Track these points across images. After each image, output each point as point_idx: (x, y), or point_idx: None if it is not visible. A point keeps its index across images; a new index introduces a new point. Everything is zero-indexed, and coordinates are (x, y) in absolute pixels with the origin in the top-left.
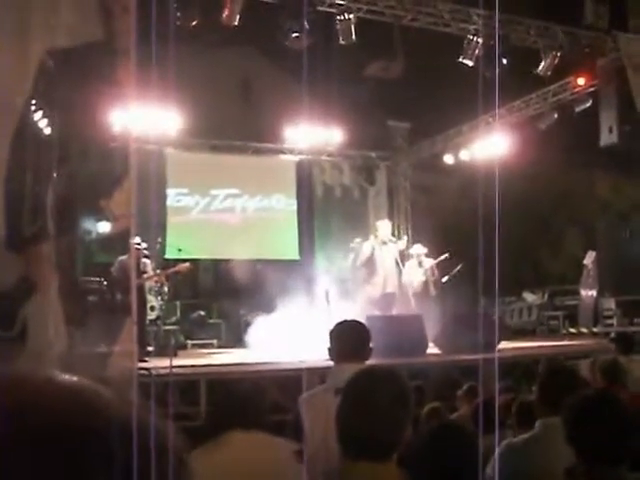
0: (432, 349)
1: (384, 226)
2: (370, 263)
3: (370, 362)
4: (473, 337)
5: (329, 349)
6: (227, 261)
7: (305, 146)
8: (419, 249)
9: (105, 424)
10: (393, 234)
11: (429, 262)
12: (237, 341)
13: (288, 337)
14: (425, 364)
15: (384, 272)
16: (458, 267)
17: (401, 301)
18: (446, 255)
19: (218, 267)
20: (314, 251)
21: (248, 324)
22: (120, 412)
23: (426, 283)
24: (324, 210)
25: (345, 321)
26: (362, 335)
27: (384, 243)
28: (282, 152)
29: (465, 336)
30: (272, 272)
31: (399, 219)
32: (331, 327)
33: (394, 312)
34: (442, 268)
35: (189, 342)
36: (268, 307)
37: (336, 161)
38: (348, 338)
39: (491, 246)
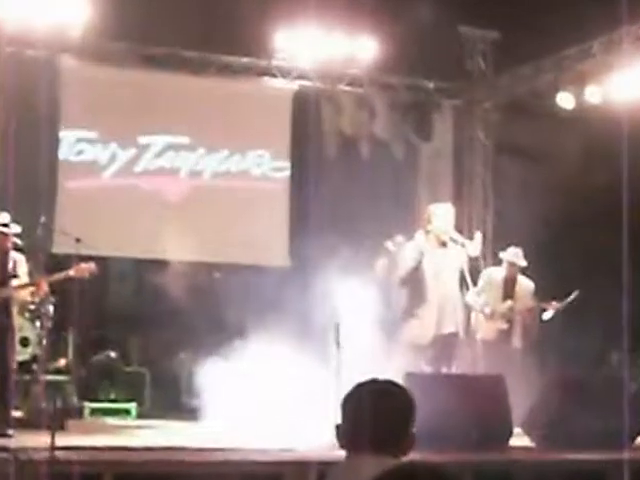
0: (519, 438)
1: (444, 214)
2: (416, 280)
3: (411, 456)
4: (595, 421)
5: (338, 430)
6: (160, 264)
7: (309, 65)
8: (513, 255)
9: None
10: (459, 229)
11: (526, 284)
12: (172, 407)
13: (265, 404)
14: (507, 464)
15: (440, 297)
16: (572, 296)
17: (468, 350)
18: (576, 293)
19: (144, 274)
20: (316, 253)
21: (192, 377)
22: None
23: (514, 322)
24: (338, 181)
25: (369, 383)
26: (399, 408)
27: (442, 245)
28: (268, 74)
29: (580, 419)
30: (242, 286)
31: (471, 203)
32: (343, 392)
33: (454, 369)
34: (542, 296)
35: (88, 405)
36: (231, 348)
37: (363, 94)
38: (373, 413)
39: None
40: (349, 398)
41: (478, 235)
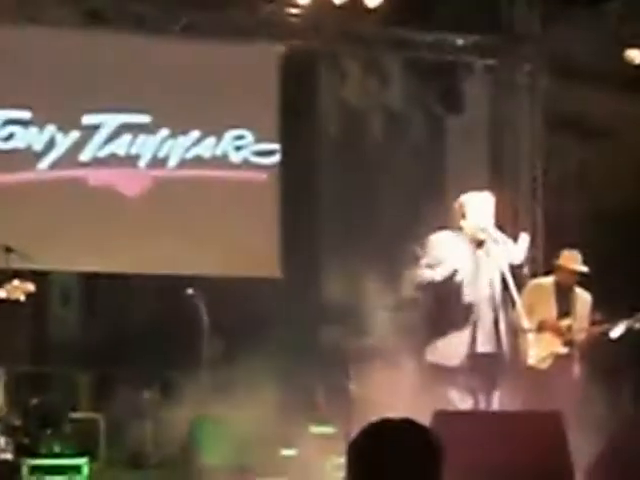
0: None
1: (481, 206)
2: (446, 285)
3: None
4: None
5: (347, 468)
6: (116, 280)
7: (301, 18)
8: (569, 260)
9: None
10: (500, 226)
11: (585, 296)
12: (134, 462)
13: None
14: None
15: (475, 308)
16: None
17: (515, 379)
18: None
19: (95, 293)
20: (315, 262)
21: (160, 423)
22: None
23: (574, 344)
24: (342, 168)
25: (381, 424)
26: (421, 457)
27: (479, 245)
28: (248, 32)
29: None
30: (221, 305)
31: (515, 193)
32: (351, 437)
33: (495, 403)
34: (606, 311)
35: (26, 462)
36: (209, 384)
37: (373, 55)
38: (388, 463)
39: None
40: (355, 444)
41: (524, 237)
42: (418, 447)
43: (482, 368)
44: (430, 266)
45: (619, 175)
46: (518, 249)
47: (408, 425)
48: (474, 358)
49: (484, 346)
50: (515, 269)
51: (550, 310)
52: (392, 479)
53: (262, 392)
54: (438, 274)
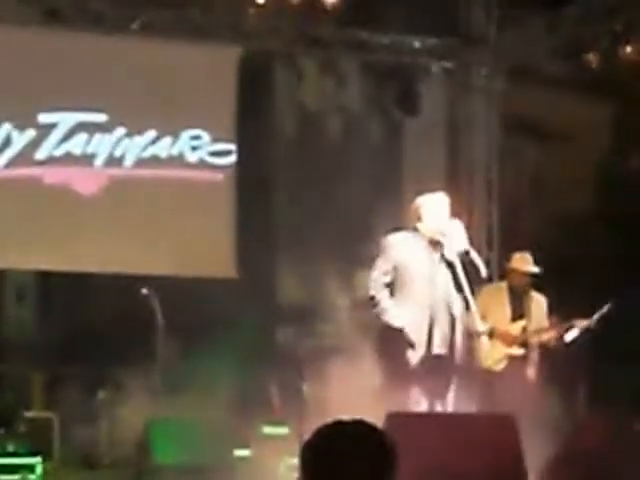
0: None
1: (437, 208)
2: (404, 283)
3: None
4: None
5: (301, 470)
6: (71, 279)
7: (258, 20)
8: (522, 262)
9: None
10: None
11: (539, 299)
12: (88, 462)
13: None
14: None
15: (432, 309)
16: (603, 310)
17: (469, 382)
18: (608, 307)
19: (50, 291)
20: (271, 261)
21: (115, 422)
22: None
23: (529, 347)
24: (298, 169)
25: (334, 426)
26: (375, 458)
27: (436, 245)
28: (207, 32)
29: (623, 474)
30: (176, 305)
31: (471, 195)
32: (305, 438)
33: (450, 406)
34: (561, 313)
35: None
36: (164, 384)
37: (331, 56)
38: (341, 465)
39: None
40: (309, 446)
41: (457, 223)
42: (372, 448)
43: (437, 370)
44: (380, 264)
45: (575, 178)
46: (457, 235)
47: (362, 427)
48: (429, 360)
49: (440, 348)
50: (463, 256)
51: (504, 313)
52: (348, 475)
53: (216, 392)
54: (378, 272)
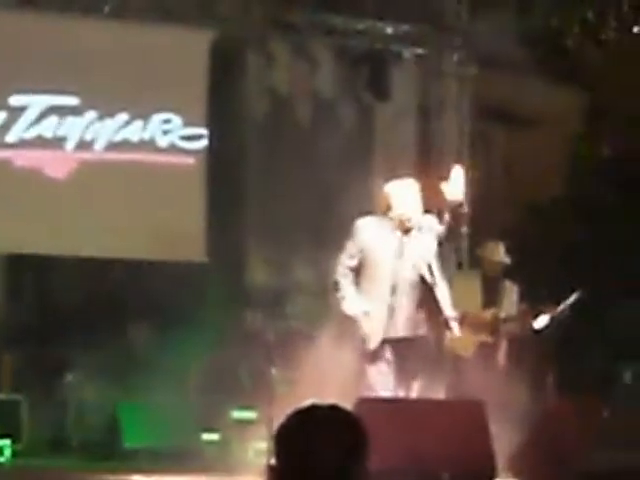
0: None
1: (406, 194)
2: (368, 272)
3: None
4: (606, 459)
5: (271, 471)
6: (41, 262)
7: (230, 4)
8: (493, 251)
9: None
10: (428, 210)
11: (510, 287)
12: (57, 444)
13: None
14: None
15: (399, 293)
16: (572, 298)
17: (435, 365)
18: (577, 295)
19: (19, 274)
20: (242, 246)
21: (83, 405)
22: None
23: (499, 334)
24: (270, 153)
25: (308, 410)
26: (347, 441)
27: (406, 231)
28: (178, 17)
29: (586, 457)
30: (146, 288)
31: (442, 181)
32: (278, 423)
33: (418, 391)
34: (532, 301)
35: None
36: (134, 367)
37: (302, 41)
38: (315, 448)
39: None
40: (283, 431)
41: (457, 170)
42: (345, 433)
43: (404, 354)
44: (348, 248)
45: (545, 164)
46: (455, 185)
47: (335, 411)
48: (395, 344)
49: (406, 332)
50: (456, 208)
51: (476, 300)
52: (319, 465)
53: (185, 376)
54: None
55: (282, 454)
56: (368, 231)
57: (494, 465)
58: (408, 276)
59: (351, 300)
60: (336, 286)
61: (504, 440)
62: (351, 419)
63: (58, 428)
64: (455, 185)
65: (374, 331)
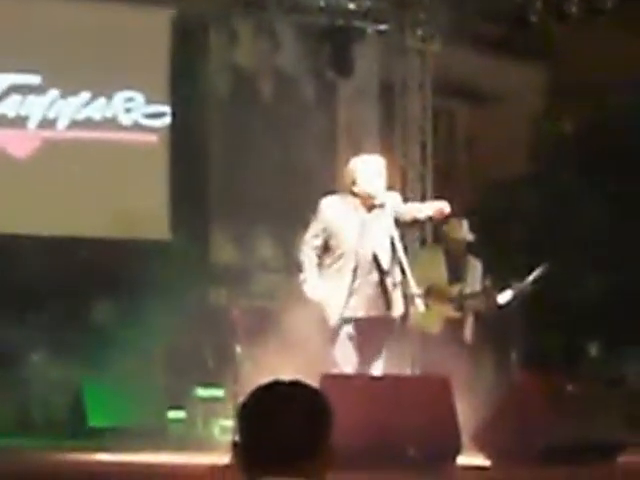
0: (470, 455)
1: (372, 170)
2: (332, 250)
3: (331, 479)
4: (567, 433)
5: (236, 448)
6: (4, 241)
7: None
8: (457, 228)
9: None
10: (389, 187)
11: (474, 263)
12: (21, 424)
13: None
14: None
15: (365, 272)
16: (536, 273)
17: (400, 342)
18: (541, 270)
19: None
20: (205, 223)
21: (48, 384)
22: None
23: (465, 310)
24: (233, 130)
25: (271, 386)
26: (310, 416)
27: (370, 208)
28: None
29: (548, 430)
30: (110, 267)
31: (405, 157)
32: (240, 400)
33: (384, 367)
34: (495, 276)
35: None
36: (98, 346)
37: (264, 18)
38: (278, 424)
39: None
40: (245, 407)
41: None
42: (308, 408)
43: (369, 332)
44: (313, 225)
45: (509, 141)
46: (393, 200)
47: (298, 387)
48: (360, 321)
49: (369, 310)
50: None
51: (441, 276)
52: (282, 440)
53: (150, 355)
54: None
55: (245, 430)
56: (332, 210)
57: (460, 440)
58: (371, 254)
59: (312, 284)
60: (300, 267)
61: (469, 415)
62: (313, 394)
63: (23, 408)
64: (371, 176)
65: (335, 310)
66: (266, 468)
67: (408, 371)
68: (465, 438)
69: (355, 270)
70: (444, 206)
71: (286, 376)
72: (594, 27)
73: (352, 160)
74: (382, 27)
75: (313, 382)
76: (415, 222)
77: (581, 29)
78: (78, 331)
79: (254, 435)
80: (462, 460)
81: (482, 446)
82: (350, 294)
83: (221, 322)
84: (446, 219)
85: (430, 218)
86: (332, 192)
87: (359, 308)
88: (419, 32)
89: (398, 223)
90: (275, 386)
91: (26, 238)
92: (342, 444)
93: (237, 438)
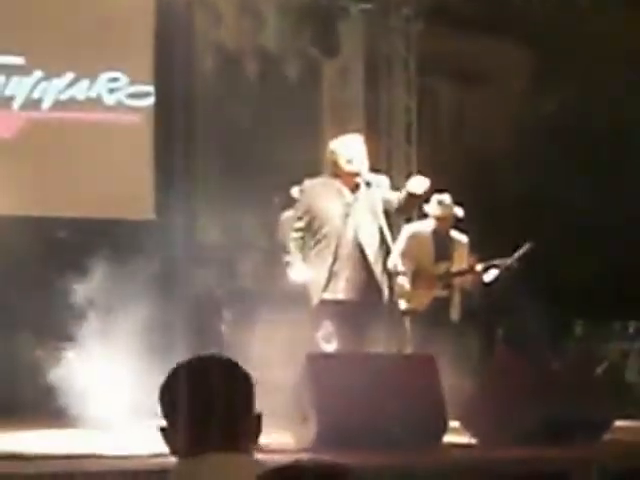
0: (456, 433)
1: (352, 150)
2: (315, 232)
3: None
4: (553, 411)
5: (164, 432)
6: None
7: None
8: (441, 205)
9: None
10: (375, 169)
11: (460, 239)
12: (6, 407)
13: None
14: (441, 466)
15: (347, 254)
16: (522, 250)
17: (386, 323)
18: (527, 247)
19: None
20: (190, 204)
21: (32, 366)
22: None
23: (452, 289)
24: (217, 110)
25: (187, 363)
26: (230, 387)
27: (354, 189)
28: None
29: (534, 409)
30: (93, 247)
31: (390, 136)
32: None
33: (363, 346)
34: (481, 253)
35: None
36: (81, 327)
37: None
38: (199, 399)
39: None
40: (167, 388)
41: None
42: (225, 382)
43: (355, 311)
44: (297, 207)
45: (494, 120)
46: (378, 180)
47: (214, 361)
48: (345, 301)
49: (353, 293)
50: (387, 207)
51: (427, 254)
52: (198, 416)
53: (134, 337)
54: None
55: (166, 410)
56: (315, 192)
57: (445, 418)
58: (354, 236)
59: (296, 267)
60: (285, 249)
61: (455, 394)
62: (232, 367)
63: (9, 390)
64: (355, 156)
65: (315, 292)
66: (195, 447)
67: (394, 350)
68: (451, 417)
69: (336, 252)
70: (423, 181)
71: (270, 355)
72: (578, 5)
73: (331, 143)
74: (366, 6)
75: (298, 361)
76: (401, 208)
77: (565, 7)
78: (62, 312)
79: (175, 414)
80: (448, 439)
81: (468, 425)
82: (330, 276)
83: (206, 303)
84: (431, 196)
85: (413, 195)
86: (317, 173)
87: (339, 291)
88: (404, 11)
89: (388, 213)
90: (190, 363)
91: (9, 218)
92: (326, 422)
93: (163, 424)
